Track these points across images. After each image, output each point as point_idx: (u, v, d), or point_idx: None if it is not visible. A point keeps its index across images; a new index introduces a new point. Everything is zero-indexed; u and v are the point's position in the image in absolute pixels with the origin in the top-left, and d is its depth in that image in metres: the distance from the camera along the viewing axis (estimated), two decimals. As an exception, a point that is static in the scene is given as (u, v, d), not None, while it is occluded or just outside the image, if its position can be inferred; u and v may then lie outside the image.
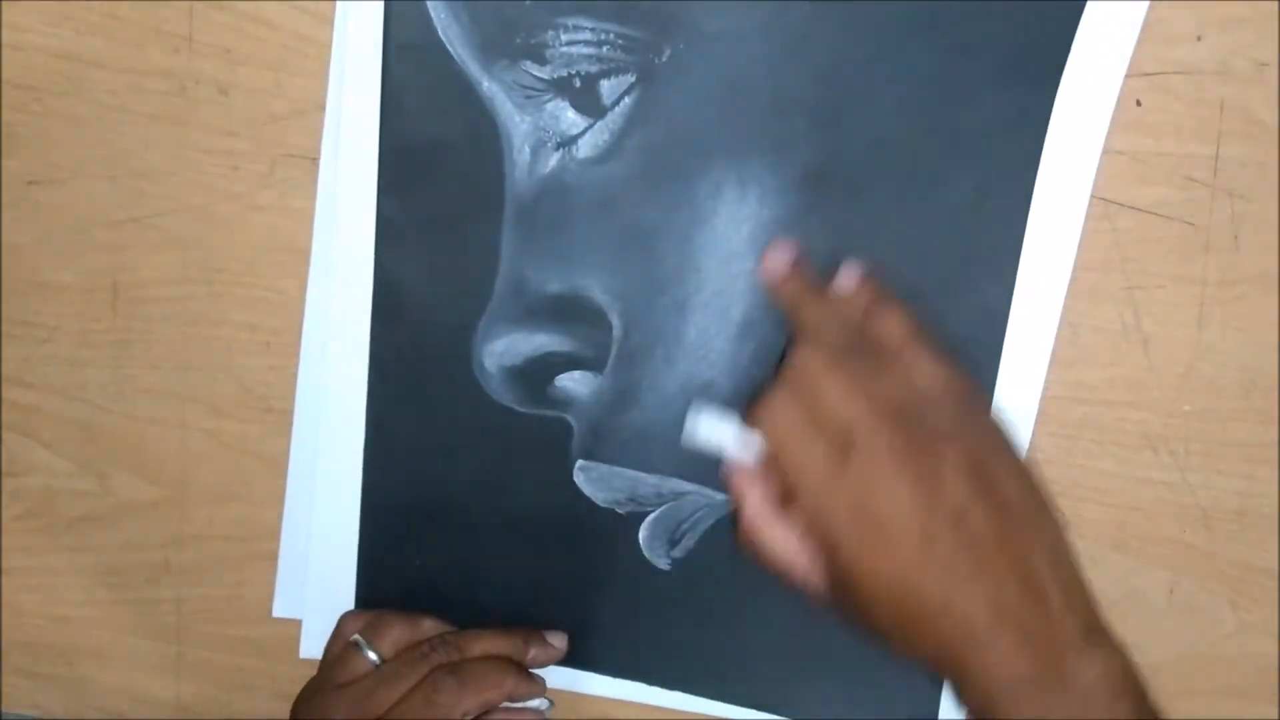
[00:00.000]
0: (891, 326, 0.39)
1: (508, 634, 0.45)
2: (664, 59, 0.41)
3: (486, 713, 0.43)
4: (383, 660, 0.44)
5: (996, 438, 0.37)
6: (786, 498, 0.37)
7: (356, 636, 0.45)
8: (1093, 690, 0.34)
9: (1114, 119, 0.41)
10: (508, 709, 0.44)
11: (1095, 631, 0.35)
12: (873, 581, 0.35)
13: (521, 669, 0.44)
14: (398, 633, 0.45)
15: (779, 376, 0.37)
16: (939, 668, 0.35)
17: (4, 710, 0.53)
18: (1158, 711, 0.34)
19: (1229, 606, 0.45)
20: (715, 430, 0.39)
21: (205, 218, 0.46)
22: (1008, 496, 0.35)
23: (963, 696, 0.35)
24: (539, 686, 0.44)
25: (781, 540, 0.37)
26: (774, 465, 0.37)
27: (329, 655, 0.45)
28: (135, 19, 0.44)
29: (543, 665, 0.45)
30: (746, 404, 0.38)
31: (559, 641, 0.46)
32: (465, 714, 0.42)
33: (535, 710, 0.44)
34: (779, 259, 0.41)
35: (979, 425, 0.37)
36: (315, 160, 0.45)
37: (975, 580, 0.34)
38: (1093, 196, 0.42)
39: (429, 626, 0.45)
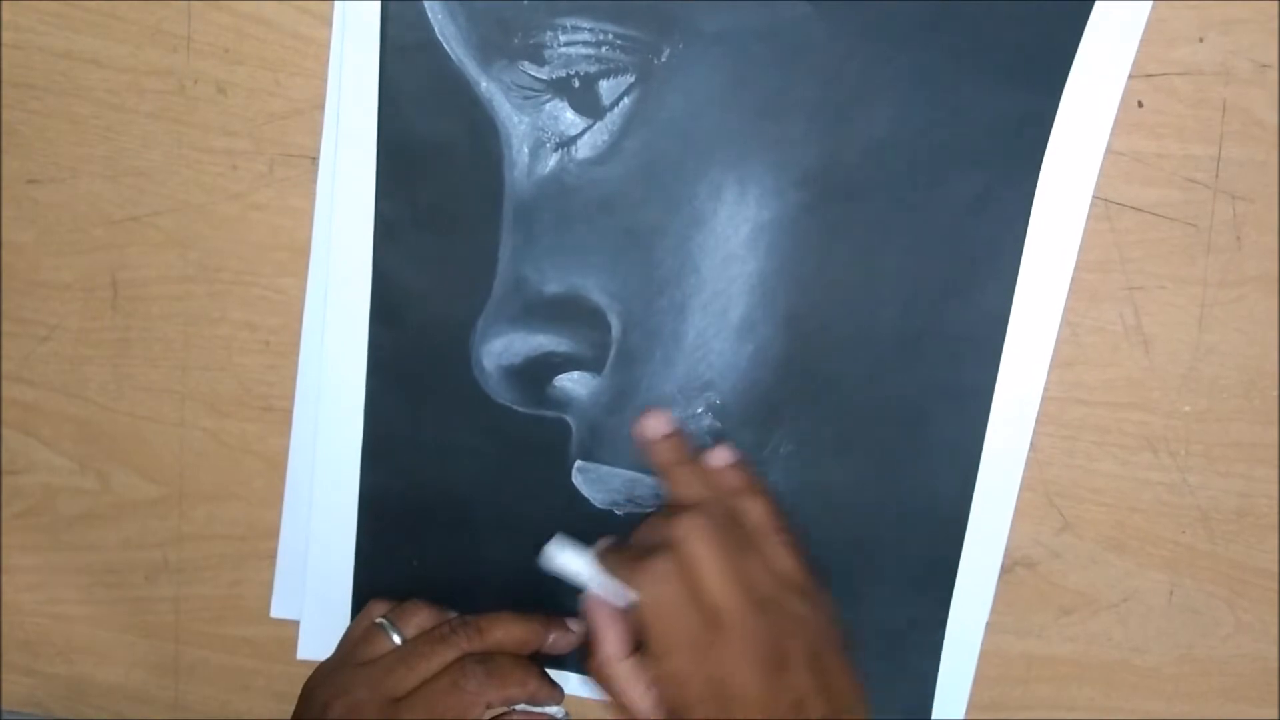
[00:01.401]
0: (757, 514, 0.41)
1: (528, 619, 0.45)
2: (663, 59, 0.41)
3: (505, 712, 0.43)
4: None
5: (830, 629, 0.40)
6: (639, 646, 0.40)
7: (382, 619, 0.45)
8: None
9: (1116, 120, 0.41)
10: (527, 712, 0.44)
11: None
12: None
13: (544, 674, 0.45)
14: (423, 618, 0.45)
15: (657, 540, 0.40)
16: None
17: (3, 708, 0.54)
18: None
19: (1228, 608, 0.45)
20: (574, 563, 0.41)
21: (205, 217, 0.46)
22: (836, 687, 0.39)
23: None
24: (559, 693, 0.45)
25: (631, 681, 0.40)
26: (632, 619, 0.39)
27: (351, 635, 0.45)
28: (134, 18, 0.44)
29: (562, 651, 0.45)
30: (611, 547, 0.41)
31: (578, 627, 0.46)
32: (489, 705, 0.42)
33: (551, 716, 0.44)
34: (656, 424, 0.44)
35: (820, 620, 0.40)
36: (314, 159, 0.45)
37: None
38: (1094, 197, 0.42)
39: (454, 616, 0.45)
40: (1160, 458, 0.44)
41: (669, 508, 0.42)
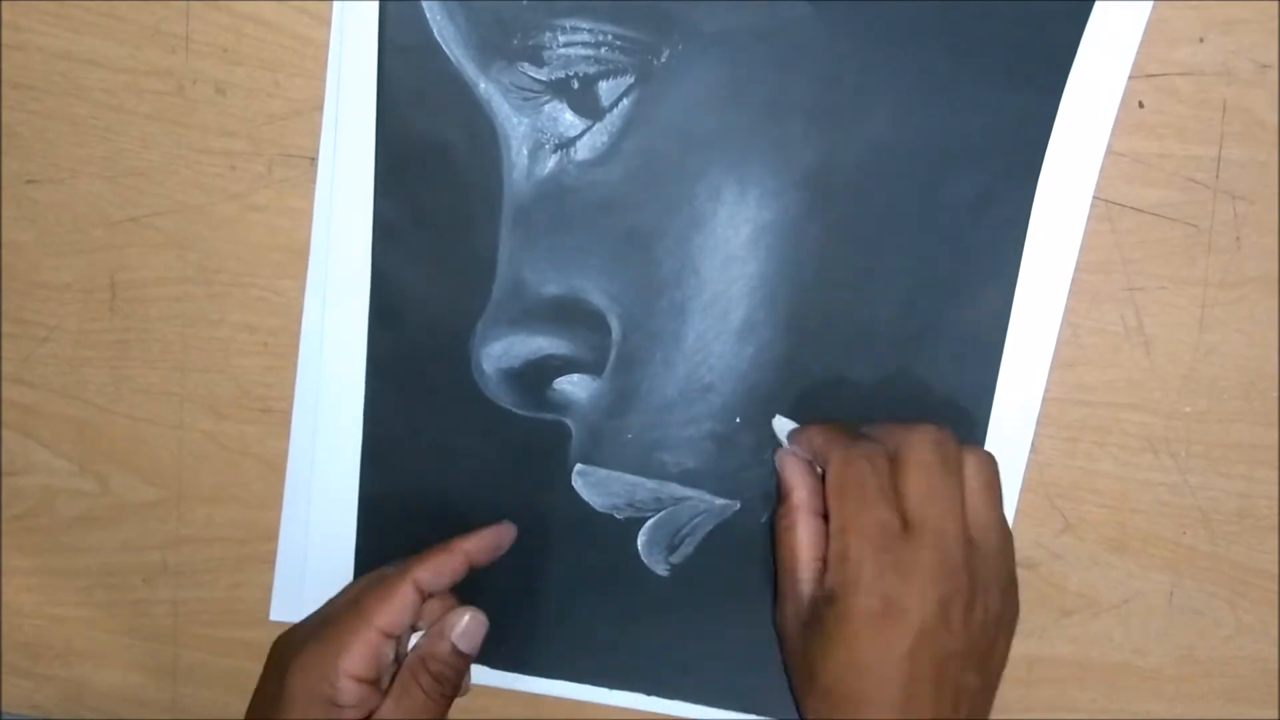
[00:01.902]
0: (973, 468, 0.39)
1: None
2: (663, 60, 0.41)
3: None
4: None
5: (1012, 618, 0.39)
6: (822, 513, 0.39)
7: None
8: None
9: (1116, 120, 0.41)
10: (455, 609, 0.42)
11: None
12: (849, 644, 0.36)
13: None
14: None
15: (878, 435, 0.39)
16: None
17: (2, 710, 0.53)
18: None
19: (1229, 609, 0.45)
20: (785, 426, 0.42)
21: (204, 217, 0.46)
22: (996, 653, 0.38)
23: None
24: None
25: (808, 540, 0.38)
26: (839, 494, 0.38)
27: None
28: (133, 19, 0.44)
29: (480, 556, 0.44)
30: (827, 433, 0.40)
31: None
32: (417, 581, 0.41)
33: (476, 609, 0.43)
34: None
35: (1013, 598, 0.39)
36: (313, 160, 0.44)
37: (928, 701, 0.36)
38: (1095, 198, 0.42)
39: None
40: (1161, 459, 0.44)
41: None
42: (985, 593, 0.37)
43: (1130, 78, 0.40)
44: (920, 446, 0.38)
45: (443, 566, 0.42)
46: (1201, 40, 0.40)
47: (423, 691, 0.41)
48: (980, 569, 0.37)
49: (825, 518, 0.39)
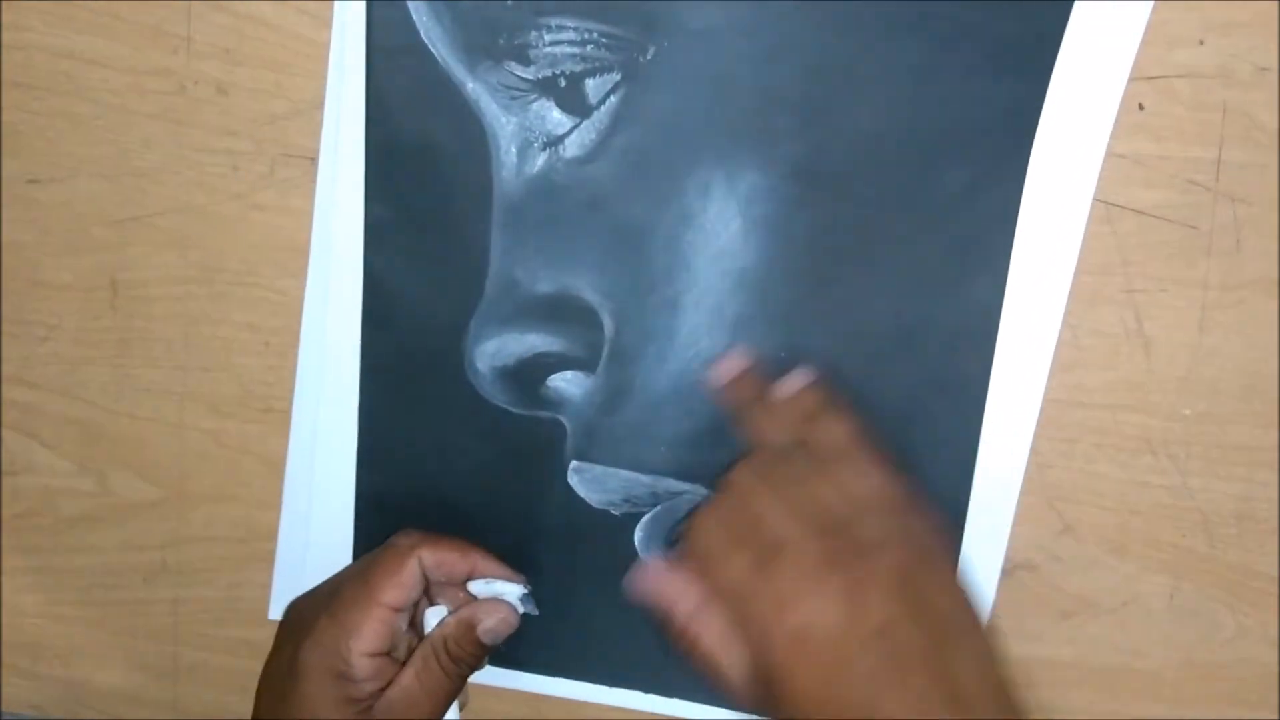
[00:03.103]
0: (834, 433, 0.39)
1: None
2: (649, 57, 0.41)
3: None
4: None
5: (929, 549, 0.37)
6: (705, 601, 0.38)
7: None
8: None
9: (1116, 122, 0.41)
10: (480, 599, 0.42)
11: None
12: (794, 690, 0.35)
13: (490, 554, 0.43)
14: None
15: (717, 486, 0.38)
16: None
17: (3, 710, 0.53)
18: None
19: (1228, 611, 0.45)
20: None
21: (205, 217, 0.46)
22: (937, 609, 0.35)
23: None
24: (516, 574, 0.43)
25: (717, 639, 0.37)
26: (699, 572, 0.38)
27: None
28: (135, 19, 0.44)
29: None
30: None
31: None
32: (422, 560, 0.41)
33: (510, 603, 0.43)
34: (727, 367, 0.42)
35: (912, 536, 0.36)
36: (314, 160, 0.45)
37: (899, 691, 0.34)
38: (1094, 199, 0.42)
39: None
40: (1160, 461, 0.44)
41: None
42: (884, 553, 0.35)
43: (1130, 79, 0.40)
44: (738, 484, 0.37)
45: (448, 563, 0.42)
46: (1201, 43, 0.40)
47: (441, 669, 0.41)
48: (862, 539, 0.36)
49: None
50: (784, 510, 0.36)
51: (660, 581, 0.39)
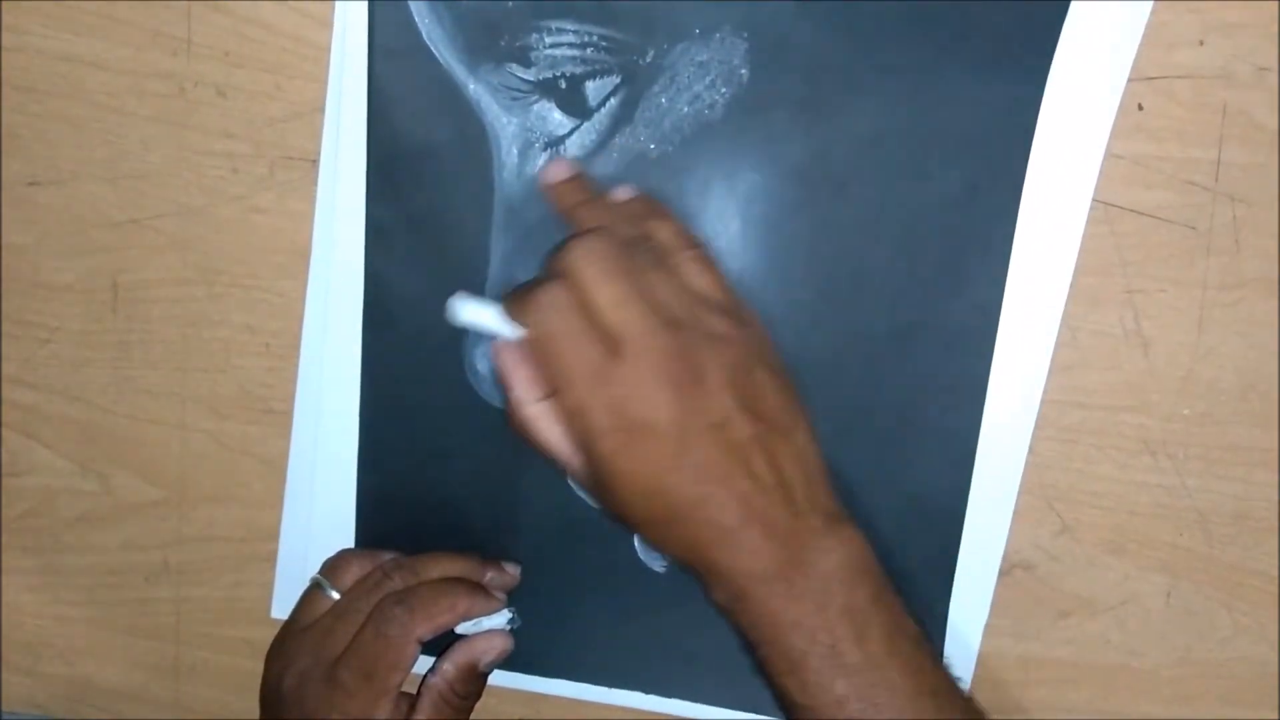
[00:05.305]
0: (666, 232, 0.39)
1: (463, 555, 0.45)
2: (648, 60, 0.41)
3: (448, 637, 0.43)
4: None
5: (760, 347, 0.37)
6: (549, 389, 0.37)
7: (317, 576, 0.45)
8: (834, 577, 0.36)
9: (1116, 123, 0.41)
10: (471, 636, 0.43)
11: (836, 523, 0.37)
12: (627, 481, 0.36)
13: (476, 587, 0.43)
14: (356, 568, 0.44)
15: (547, 269, 0.37)
16: (688, 563, 0.37)
17: (4, 710, 0.54)
18: (894, 595, 0.37)
19: (1226, 611, 0.45)
20: (478, 314, 0.38)
21: (205, 219, 0.46)
22: (766, 405, 0.36)
23: (712, 592, 0.37)
24: (497, 601, 0.43)
25: (546, 424, 0.37)
26: (537, 357, 0.37)
27: (299, 600, 0.45)
28: (134, 21, 0.44)
29: (500, 589, 0.44)
30: (512, 295, 0.38)
31: (514, 570, 0.46)
32: (419, 640, 0.41)
33: (501, 630, 0.43)
34: (557, 169, 0.41)
35: (745, 334, 0.37)
36: (314, 162, 0.45)
37: (727, 483, 0.35)
38: (1094, 200, 0.42)
39: (387, 558, 0.45)
40: (1159, 461, 0.44)
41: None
42: (721, 350, 0.36)
43: (1130, 80, 0.40)
44: (580, 265, 0.36)
45: (442, 627, 0.42)
46: (1201, 43, 0.40)
47: (452, 708, 0.43)
48: (699, 335, 0.36)
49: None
50: (631, 300, 0.35)
51: (503, 361, 0.38)
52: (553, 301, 0.36)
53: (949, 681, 0.38)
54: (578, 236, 0.37)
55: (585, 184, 0.41)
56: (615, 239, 0.37)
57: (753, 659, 0.37)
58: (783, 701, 0.37)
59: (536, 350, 0.37)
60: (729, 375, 0.35)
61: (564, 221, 0.41)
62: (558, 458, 0.38)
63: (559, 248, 0.37)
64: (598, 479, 0.37)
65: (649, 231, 0.38)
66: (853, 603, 0.36)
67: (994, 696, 0.47)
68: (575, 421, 0.36)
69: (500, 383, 0.38)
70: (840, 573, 0.36)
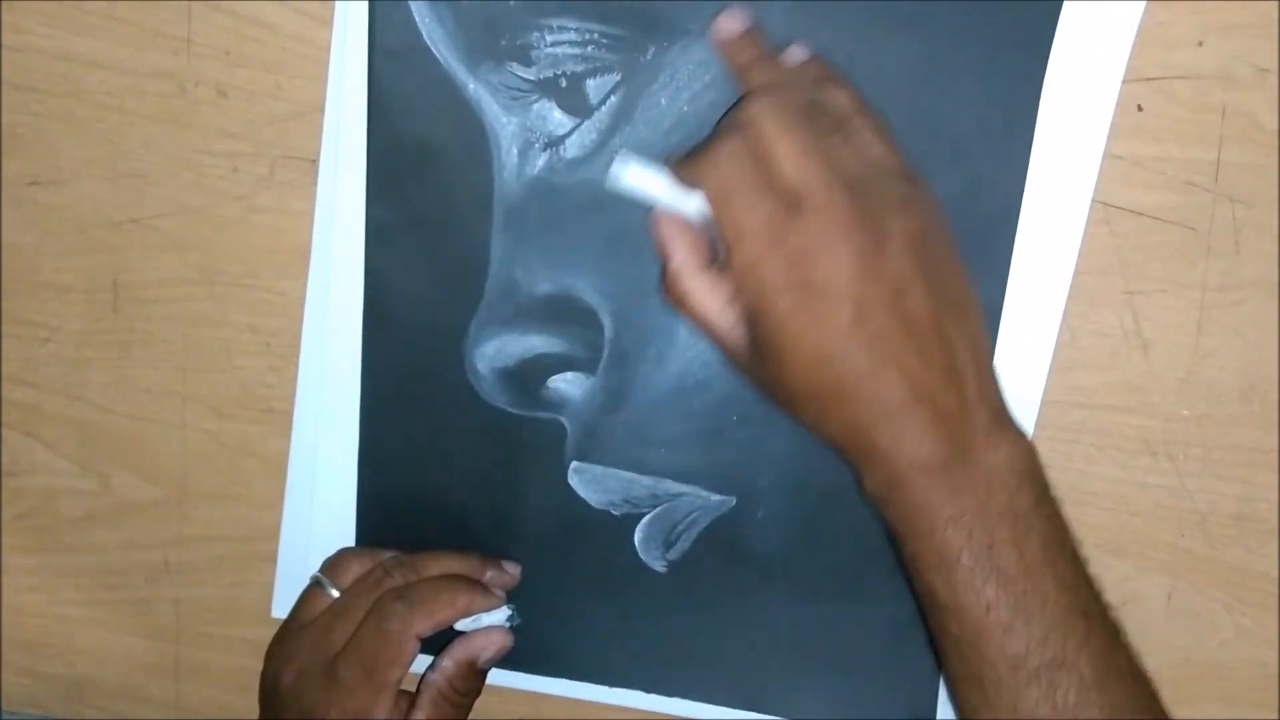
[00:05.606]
0: (842, 98, 0.37)
1: (464, 554, 0.45)
2: (649, 58, 0.41)
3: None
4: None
5: (940, 222, 0.36)
6: (717, 259, 0.36)
7: (317, 574, 0.45)
8: (997, 476, 0.34)
9: (1115, 123, 0.41)
10: (470, 632, 0.43)
11: (1004, 422, 0.35)
12: (797, 347, 0.34)
13: (476, 584, 0.43)
14: (356, 566, 0.44)
15: (723, 126, 0.36)
16: (846, 446, 0.35)
17: (4, 710, 0.54)
18: (1057, 505, 0.35)
19: (1227, 612, 0.45)
20: (644, 178, 0.37)
21: (205, 219, 0.46)
22: (944, 281, 0.35)
23: (866, 478, 0.36)
24: (496, 598, 0.43)
25: (707, 295, 0.36)
26: (708, 225, 0.36)
27: (299, 597, 0.45)
28: (135, 20, 0.44)
29: (500, 587, 0.45)
30: (683, 158, 0.37)
31: (514, 569, 0.46)
32: (419, 635, 0.41)
33: (500, 626, 0.43)
34: (732, 23, 0.39)
35: (925, 206, 0.35)
36: (315, 162, 0.45)
37: (899, 359, 0.34)
38: (1093, 201, 0.42)
39: (388, 556, 0.45)
40: (1159, 462, 0.44)
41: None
42: (904, 214, 0.34)
43: (1129, 81, 0.40)
44: (761, 120, 0.34)
45: (442, 623, 0.42)
46: (1201, 44, 0.40)
47: (452, 705, 0.43)
48: (882, 200, 0.34)
49: (713, 262, 0.37)
50: (811, 158, 0.34)
51: (662, 229, 0.37)
52: (732, 154, 0.34)
53: (1102, 605, 0.36)
54: (756, 92, 0.35)
55: (759, 40, 0.39)
56: (794, 97, 0.35)
57: (899, 554, 0.36)
58: (926, 601, 0.35)
59: (712, 207, 0.35)
60: (911, 243, 0.34)
61: (736, 79, 0.39)
62: (714, 331, 0.36)
63: (736, 105, 0.35)
64: (764, 346, 0.35)
65: (826, 95, 0.37)
66: (1015, 505, 0.34)
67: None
68: (748, 280, 0.34)
69: (659, 252, 0.37)
70: (1005, 472, 0.34)
